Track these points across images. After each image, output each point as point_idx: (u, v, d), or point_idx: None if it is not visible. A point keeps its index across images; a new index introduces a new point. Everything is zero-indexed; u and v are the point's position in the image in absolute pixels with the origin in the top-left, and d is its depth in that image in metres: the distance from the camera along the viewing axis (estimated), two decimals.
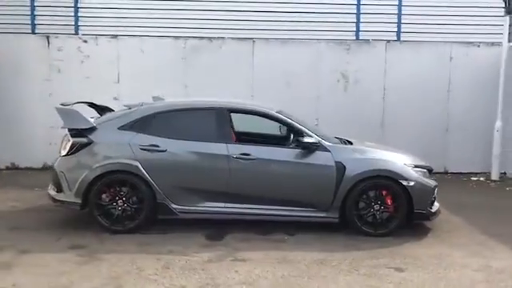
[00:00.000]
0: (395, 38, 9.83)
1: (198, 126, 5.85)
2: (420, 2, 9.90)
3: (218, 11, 9.69)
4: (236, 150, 5.68)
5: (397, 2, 9.87)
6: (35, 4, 9.68)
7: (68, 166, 5.68)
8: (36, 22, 9.72)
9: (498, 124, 9.13)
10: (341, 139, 6.27)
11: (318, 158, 5.70)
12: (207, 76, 9.30)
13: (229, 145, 5.70)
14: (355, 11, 9.90)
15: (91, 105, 6.51)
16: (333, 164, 5.67)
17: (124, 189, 5.63)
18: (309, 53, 9.51)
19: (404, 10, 9.88)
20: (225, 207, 5.69)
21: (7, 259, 4.79)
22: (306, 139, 5.70)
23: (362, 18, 9.92)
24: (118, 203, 5.61)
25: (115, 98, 9.05)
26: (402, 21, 9.89)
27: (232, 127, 6.17)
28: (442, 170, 9.37)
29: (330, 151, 5.72)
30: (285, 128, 6.44)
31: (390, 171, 5.71)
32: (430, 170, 6.15)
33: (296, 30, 9.79)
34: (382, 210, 5.71)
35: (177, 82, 9.32)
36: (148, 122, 5.75)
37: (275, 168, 5.70)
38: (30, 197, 7.23)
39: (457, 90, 9.60)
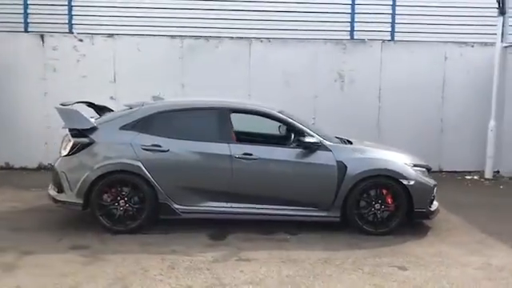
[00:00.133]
0: (389, 38, 9.90)
1: (200, 125, 5.86)
2: (414, 1, 9.99)
3: (215, 10, 9.69)
4: (238, 149, 5.69)
5: (391, 2, 9.94)
6: (28, 2, 9.59)
7: (69, 166, 5.65)
8: (29, 21, 9.63)
9: (492, 123, 9.25)
10: (341, 139, 6.31)
11: (319, 157, 5.73)
12: (204, 75, 9.29)
13: (231, 145, 5.71)
14: (350, 11, 9.96)
15: (90, 104, 6.48)
16: (334, 163, 5.70)
17: (126, 189, 5.61)
18: (306, 52, 9.55)
19: (398, 10, 9.96)
20: (227, 207, 5.70)
21: (10, 260, 4.76)
22: (308, 139, 5.73)
23: (357, 17, 9.98)
24: (119, 203, 5.59)
25: (112, 98, 9.02)
26: (396, 21, 9.97)
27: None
28: (436, 169, 9.45)
29: (331, 151, 5.76)
30: (283, 128, 6.48)
31: (390, 170, 5.76)
32: (428, 169, 6.23)
33: (291, 30, 9.82)
34: (383, 208, 5.76)
35: (174, 81, 9.31)
36: (150, 122, 5.74)
37: (277, 168, 5.72)
38: (27, 197, 7.17)
39: (451, 90, 9.70)
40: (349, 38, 9.88)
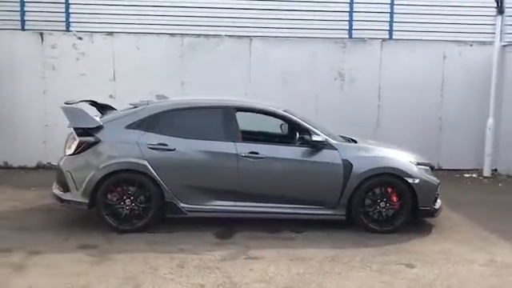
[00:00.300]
0: (387, 37, 9.95)
1: (206, 124, 5.84)
2: (412, 0, 10.02)
3: (215, 8, 9.67)
4: (244, 148, 5.69)
5: (389, 1, 9.98)
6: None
7: (74, 165, 5.61)
8: (26, 18, 9.56)
9: (490, 122, 9.33)
10: (345, 137, 6.34)
11: (325, 156, 5.75)
12: (204, 74, 9.27)
13: (237, 143, 5.71)
14: (348, 9, 9.99)
15: (92, 103, 6.44)
16: (340, 162, 5.73)
17: (132, 188, 5.59)
18: (306, 51, 9.57)
19: (396, 9, 10.01)
20: (233, 206, 5.70)
21: (19, 260, 4.72)
22: (314, 138, 5.74)
23: (355, 16, 10.01)
24: (125, 202, 5.57)
25: (111, 96, 8.98)
26: (395, 19, 10.01)
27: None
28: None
29: (337, 149, 5.78)
30: (285, 126, 6.50)
31: (395, 169, 5.79)
32: (431, 167, 6.27)
33: (290, 28, 9.83)
34: (388, 207, 5.79)
35: (173, 79, 9.28)
36: (155, 121, 5.72)
37: (283, 166, 5.73)
38: (28, 196, 7.13)
39: (450, 88, 9.77)
40: (347, 36, 9.91)
